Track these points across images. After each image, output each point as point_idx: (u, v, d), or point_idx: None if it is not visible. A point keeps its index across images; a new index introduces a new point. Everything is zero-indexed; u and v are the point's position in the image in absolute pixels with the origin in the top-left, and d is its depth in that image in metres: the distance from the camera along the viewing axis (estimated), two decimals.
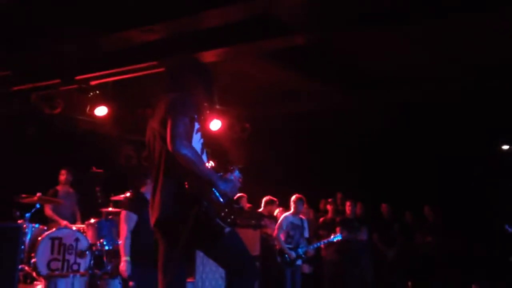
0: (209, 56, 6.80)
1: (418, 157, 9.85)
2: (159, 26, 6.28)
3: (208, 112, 8.25)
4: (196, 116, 3.17)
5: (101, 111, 8.13)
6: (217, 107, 8.44)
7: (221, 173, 3.22)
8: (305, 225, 8.12)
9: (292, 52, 7.06)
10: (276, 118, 9.57)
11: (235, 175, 3.33)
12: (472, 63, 7.45)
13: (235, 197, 6.96)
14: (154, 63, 6.81)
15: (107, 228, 7.17)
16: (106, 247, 6.93)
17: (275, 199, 8.60)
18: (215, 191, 3.10)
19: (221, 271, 6.99)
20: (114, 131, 8.89)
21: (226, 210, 3.11)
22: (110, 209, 7.55)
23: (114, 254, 7.12)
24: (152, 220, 3.22)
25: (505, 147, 10.32)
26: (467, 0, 5.51)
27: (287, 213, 8.05)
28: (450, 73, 7.84)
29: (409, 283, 9.04)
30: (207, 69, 3.50)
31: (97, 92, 7.81)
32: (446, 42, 6.87)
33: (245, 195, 8.63)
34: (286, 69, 7.71)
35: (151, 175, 3.30)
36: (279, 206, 8.65)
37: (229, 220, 3.10)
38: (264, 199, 8.42)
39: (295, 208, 8.03)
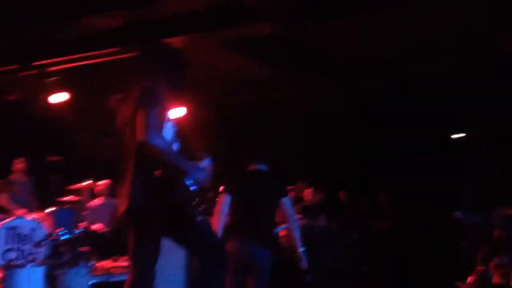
0: (172, 44, 6.74)
1: (374, 144, 10.07)
2: (121, 12, 6.21)
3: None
4: (168, 105, 3.16)
5: (59, 97, 7.96)
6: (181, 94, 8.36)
7: (193, 162, 3.22)
8: None
9: (257, 40, 7.07)
10: (239, 106, 9.58)
11: (206, 163, 3.34)
12: (423, 50, 7.59)
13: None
14: (116, 49, 6.73)
15: (65, 217, 7.08)
16: (64, 237, 6.85)
17: None
18: (187, 180, 3.11)
19: (180, 260, 6.97)
20: (73, 118, 8.70)
21: (198, 199, 3.13)
22: (68, 198, 7.45)
23: (72, 243, 7.05)
24: (122, 209, 3.20)
25: (459, 135, 10.65)
26: None
27: None
28: (403, 61, 7.98)
29: (365, 269, 9.26)
30: (182, 57, 3.48)
31: (57, 78, 7.63)
32: (408, 29, 6.99)
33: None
34: (250, 56, 7.71)
35: (120, 163, 3.26)
36: None
37: (201, 209, 3.13)
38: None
39: None
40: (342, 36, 7.20)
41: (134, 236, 3.24)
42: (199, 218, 3.13)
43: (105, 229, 8.12)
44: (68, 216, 7.17)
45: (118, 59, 6.88)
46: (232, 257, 4.43)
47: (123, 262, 7.11)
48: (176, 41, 6.65)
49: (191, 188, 3.11)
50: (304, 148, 10.10)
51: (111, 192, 8.59)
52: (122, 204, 3.18)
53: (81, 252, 6.85)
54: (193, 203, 3.09)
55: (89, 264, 6.78)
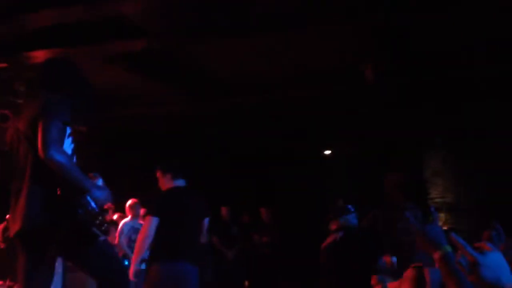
0: (42, 56, 6.45)
1: (254, 160, 10.33)
2: None
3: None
4: (69, 120, 3.01)
5: None
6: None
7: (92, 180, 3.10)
8: None
9: (137, 55, 6.97)
10: (117, 121, 9.32)
11: (100, 182, 3.25)
12: (301, 75, 7.94)
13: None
14: None
15: None
16: None
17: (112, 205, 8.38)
18: (89, 198, 2.97)
19: (55, 281, 6.62)
20: None
21: (100, 218, 3.01)
22: None
23: None
24: (13, 230, 2.98)
25: (327, 152, 11.25)
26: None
27: (126, 219, 7.91)
28: (280, 83, 8.27)
29: (246, 282, 9.41)
30: (83, 74, 3.37)
31: None
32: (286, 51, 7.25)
33: None
34: (130, 72, 7.56)
35: (13, 180, 3.04)
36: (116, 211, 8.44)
37: (103, 228, 3.01)
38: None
39: (133, 213, 7.95)
40: (222, 56, 7.32)
41: (27, 259, 3.03)
42: (101, 238, 3.01)
43: None
44: None
45: None
46: (161, 277, 4.32)
47: None
48: (50, 53, 6.38)
49: (93, 207, 2.99)
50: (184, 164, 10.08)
51: None
52: (16, 224, 2.97)
53: None
54: (95, 222, 2.97)
55: None
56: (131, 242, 7.70)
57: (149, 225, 4.51)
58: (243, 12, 5.97)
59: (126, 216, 8.06)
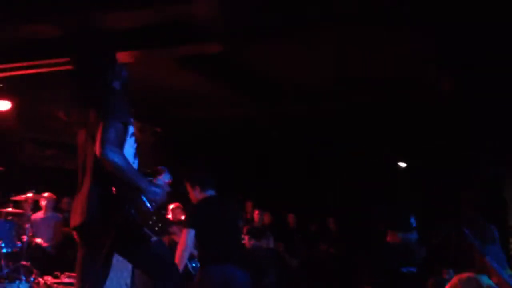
0: (123, 57, 6.65)
1: (323, 170, 10.23)
2: (70, 22, 6.09)
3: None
4: (131, 120, 3.11)
5: (3, 105, 7.69)
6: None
7: (151, 178, 3.16)
8: None
9: (206, 58, 7.07)
10: (186, 123, 9.51)
11: (164, 178, 3.27)
12: (375, 79, 7.73)
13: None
14: (66, 59, 6.57)
15: (6, 229, 6.81)
16: (4, 250, 6.59)
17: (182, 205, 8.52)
18: (144, 198, 3.04)
19: (125, 277, 6.81)
20: (16, 127, 8.41)
21: (154, 218, 3.06)
22: (9, 209, 7.18)
23: (13, 257, 6.77)
24: (74, 223, 3.10)
25: (402, 164, 10.98)
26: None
27: None
28: (355, 88, 8.11)
29: None
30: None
31: (1, 85, 7.37)
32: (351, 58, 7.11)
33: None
34: (198, 74, 7.69)
35: (77, 175, 3.17)
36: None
37: (157, 228, 3.06)
38: (171, 206, 8.32)
39: None
40: (284, 61, 7.27)
41: (85, 252, 3.14)
42: (153, 238, 3.06)
43: (46, 244, 7.86)
44: (10, 228, 6.91)
45: (64, 70, 6.76)
46: (212, 281, 4.36)
47: (65, 279, 6.91)
48: (128, 55, 6.59)
49: (147, 206, 3.05)
50: (253, 169, 10.13)
51: (55, 205, 8.36)
52: (75, 217, 3.09)
53: (22, 267, 6.60)
54: (149, 221, 3.03)
55: (30, 280, 6.54)
56: None
57: (186, 237, 4.50)
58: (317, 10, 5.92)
59: None
